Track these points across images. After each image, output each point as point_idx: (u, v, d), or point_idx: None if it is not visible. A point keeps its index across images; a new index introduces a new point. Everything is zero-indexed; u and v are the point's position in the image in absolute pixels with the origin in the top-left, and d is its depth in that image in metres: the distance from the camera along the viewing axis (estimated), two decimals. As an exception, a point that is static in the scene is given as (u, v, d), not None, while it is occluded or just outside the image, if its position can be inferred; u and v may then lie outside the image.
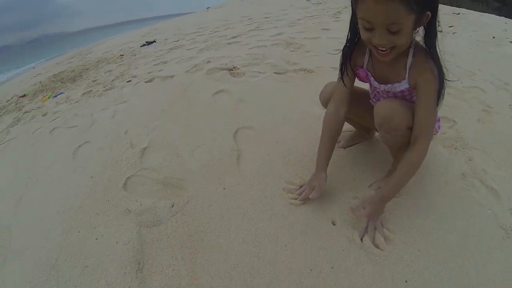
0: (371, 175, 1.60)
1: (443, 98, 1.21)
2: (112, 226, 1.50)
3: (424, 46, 1.16)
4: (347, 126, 1.50)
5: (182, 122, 2.31)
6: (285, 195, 1.52)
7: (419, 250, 1.22)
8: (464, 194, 1.47)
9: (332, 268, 1.18)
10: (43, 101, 4.07)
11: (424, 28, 1.10)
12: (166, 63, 4.20)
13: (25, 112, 3.80)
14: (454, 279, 1.12)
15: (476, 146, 1.80)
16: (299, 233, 1.33)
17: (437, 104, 1.22)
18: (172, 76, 3.40)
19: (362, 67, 1.38)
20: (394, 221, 1.34)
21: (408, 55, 1.20)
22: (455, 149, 1.77)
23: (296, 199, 1.47)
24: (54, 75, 5.74)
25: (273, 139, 1.97)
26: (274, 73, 3.03)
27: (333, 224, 1.36)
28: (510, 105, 2.31)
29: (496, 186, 1.51)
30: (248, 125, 2.15)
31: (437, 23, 1.08)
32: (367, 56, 1.34)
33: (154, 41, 6.71)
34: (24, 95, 4.75)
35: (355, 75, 1.41)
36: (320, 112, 2.06)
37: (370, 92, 1.53)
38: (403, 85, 1.26)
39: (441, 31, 1.11)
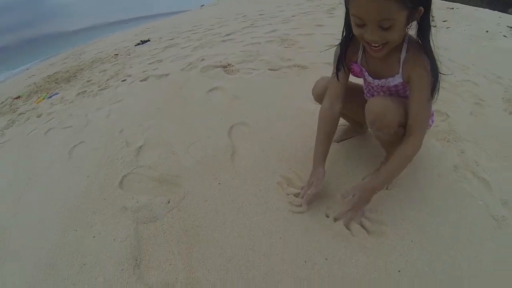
0: (364, 169, 1.61)
1: (438, 92, 1.21)
2: (109, 224, 1.51)
3: (417, 40, 1.17)
4: (340, 121, 1.51)
5: (177, 120, 2.32)
6: (287, 200, 1.49)
7: (412, 241, 1.24)
8: (456, 186, 1.49)
9: (326, 259, 1.20)
10: (37, 102, 4.06)
11: (417, 23, 1.10)
12: (160, 61, 4.19)
13: (20, 114, 3.77)
14: (447, 271, 1.14)
15: (468, 139, 1.82)
16: (293, 226, 1.35)
17: (432, 98, 1.22)
18: (167, 75, 3.40)
19: (356, 62, 1.38)
20: (386, 212, 1.36)
21: (401, 50, 1.20)
22: (447, 142, 1.79)
23: (300, 205, 1.43)
24: (48, 76, 5.71)
25: (267, 135, 1.98)
26: (268, 69, 3.04)
27: (327, 216, 1.38)
28: (502, 98, 2.33)
29: (488, 177, 1.53)
30: (243, 121, 2.16)
31: (430, 18, 1.08)
32: (361, 51, 1.35)
33: (148, 40, 6.69)
34: (19, 97, 4.72)
35: (350, 70, 1.42)
36: (314, 108, 2.07)
37: (364, 87, 1.53)
38: (397, 80, 1.27)
39: (435, 26, 1.12)
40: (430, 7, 1.05)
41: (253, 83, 2.79)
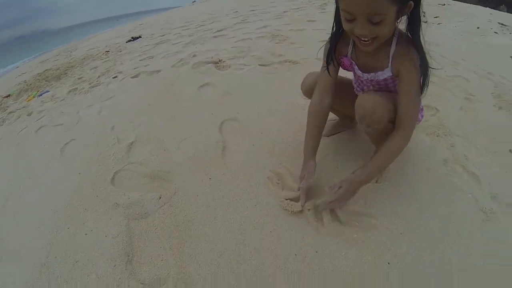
0: (354, 163, 1.61)
1: (427, 86, 1.21)
2: (101, 221, 1.51)
3: (407, 35, 1.17)
4: (330, 116, 1.51)
5: (168, 116, 2.31)
6: (281, 203, 1.45)
7: (401, 233, 1.25)
8: (446, 180, 1.50)
9: (316, 252, 1.21)
10: (28, 101, 4.01)
11: (408, 18, 1.10)
12: (152, 58, 4.16)
13: (10, 113, 3.73)
14: (436, 265, 1.15)
15: (458, 133, 1.83)
16: (283, 220, 1.36)
17: (422, 93, 1.22)
18: (158, 71, 3.38)
19: (346, 56, 1.39)
20: (376, 206, 1.37)
21: (391, 44, 1.20)
22: (437, 136, 1.81)
23: (295, 211, 1.39)
24: (39, 73, 5.64)
25: (258, 130, 1.98)
26: (259, 65, 3.04)
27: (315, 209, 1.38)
28: (492, 94, 2.35)
29: (477, 171, 1.54)
30: (233, 117, 2.16)
31: (421, 14, 1.08)
32: (351, 45, 1.35)
33: (140, 37, 6.64)
34: (9, 95, 4.66)
35: (340, 64, 1.42)
36: (304, 102, 2.08)
37: (354, 81, 1.53)
38: (386, 73, 1.27)
39: (426, 22, 1.12)
40: (420, 1, 1.05)
41: (244, 78, 2.79)
